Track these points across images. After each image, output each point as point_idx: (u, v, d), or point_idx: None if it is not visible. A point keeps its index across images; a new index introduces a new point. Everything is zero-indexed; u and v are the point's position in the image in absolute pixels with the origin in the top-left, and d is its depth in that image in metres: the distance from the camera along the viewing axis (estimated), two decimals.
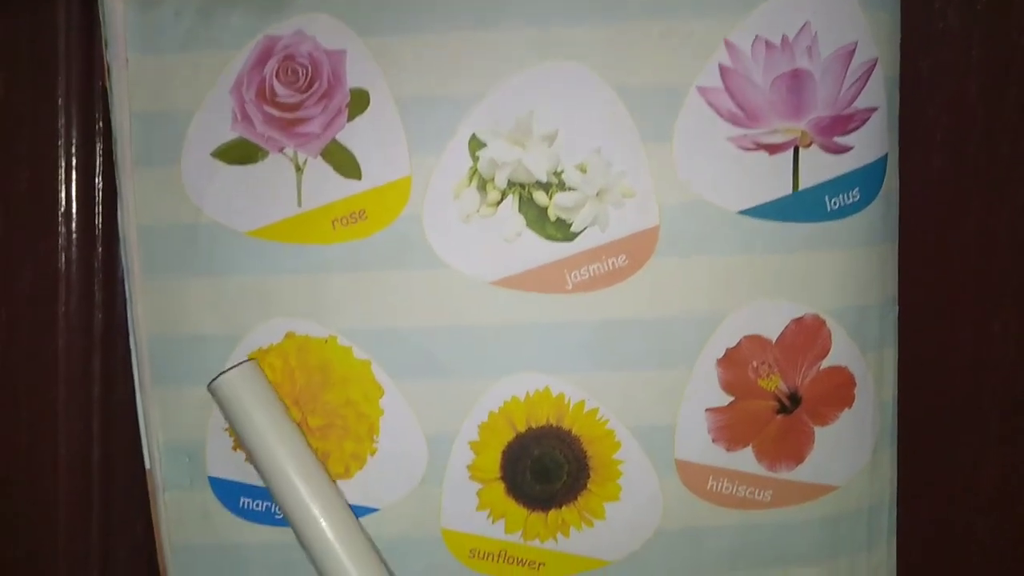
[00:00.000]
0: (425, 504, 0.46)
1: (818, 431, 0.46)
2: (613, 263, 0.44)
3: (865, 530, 0.47)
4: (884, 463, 0.47)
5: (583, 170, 0.44)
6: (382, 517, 0.46)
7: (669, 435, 0.45)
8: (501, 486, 0.46)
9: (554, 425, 0.45)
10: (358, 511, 0.46)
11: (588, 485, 0.46)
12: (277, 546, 0.46)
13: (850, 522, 0.47)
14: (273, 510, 0.46)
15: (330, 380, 0.45)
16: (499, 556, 0.46)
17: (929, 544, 0.50)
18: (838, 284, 0.45)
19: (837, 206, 0.44)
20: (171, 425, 0.45)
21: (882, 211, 0.45)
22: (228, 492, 0.46)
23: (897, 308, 0.47)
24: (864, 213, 0.44)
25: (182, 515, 0.46)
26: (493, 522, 0.46)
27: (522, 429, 0.45)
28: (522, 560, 0.46)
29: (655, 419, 0.45)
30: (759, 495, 0.46)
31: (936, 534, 0.50)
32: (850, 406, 0.46)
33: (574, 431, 0.45)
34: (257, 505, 0.46)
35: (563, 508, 0.46)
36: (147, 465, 0.46)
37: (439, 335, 0.44)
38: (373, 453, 0.45)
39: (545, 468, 0.45)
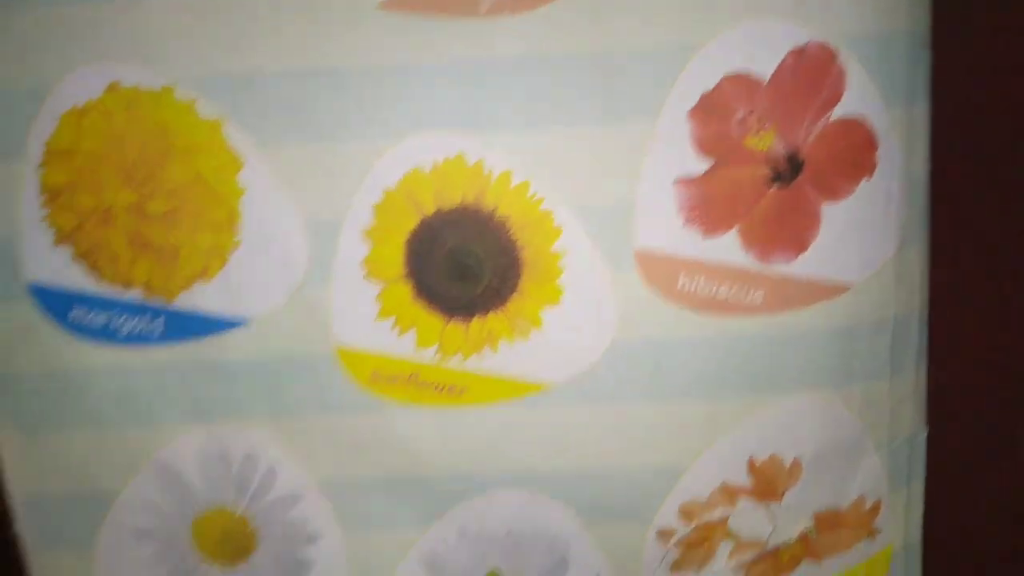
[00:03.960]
0: (310, 314, 0.35)
1: (825, 209, 0.34)
2: None
3: (887, 348, 0.36)
4: (912, 259, 0.35)
5: None
6: (254, 333, 0.34)
7: (625, 216, 0.33)
8: (407, 287, 0.34)
9: (472, 206, 0.33)
10: (222, 324, 0.34)
11: (520, 285, 0.34)
12: (120, 370, 0.35)
13: (868, 336, 0.35)
14: (115, 325, 0.35)
15: (171, 148, 0.33)
16: (409, 379, 0.35)
17: (966, 376, 0.38)
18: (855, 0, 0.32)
19: None
20: None
21: None
22: (55, 302, 0.34)
23: (930, 54, 0.34)
24: None
25: None
26: (400, 335, 0.35)
27: (430, 211, 0.33)
28: (438, 385, 0.35)
29: (606, 195, 0.34)
30: (747, 296, 0.34)
31: (976, 361, 0.38)
32: (869, 175, 0.34)
33: (499, 213, 0.33)
34: (93, 319, 0.35)
35: (489, 315, 0.34)
36: None
37: (313, 81, 0.32)
38: (236, 246, 0.34)
39: (462, 264, 0.34)
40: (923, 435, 0.39)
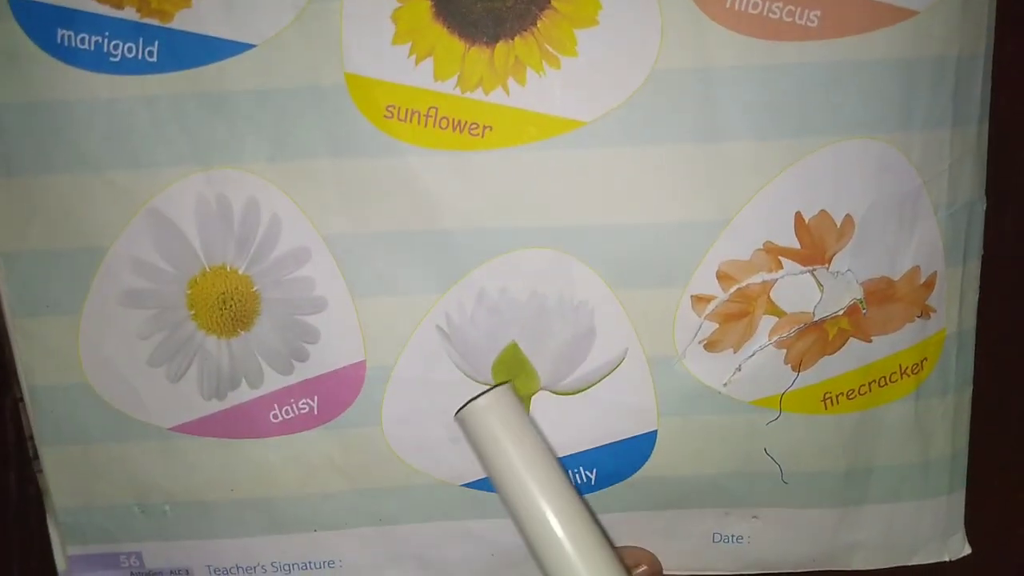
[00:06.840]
0: (319, 31, 0.31)
1: None
2: None
3: (949, 94, 0.33)
4: None
5: None
6: (259, 59, 0.31)
7: None
8: (427, 5, 0.31)
9: None
10: (224, 48, 0.31)
11: (552, 1, 0.30)
12: (111, 102, 0.32)
13: (930, 74, 0.32)
14: (107, 49, 0.31)
15: None
16: (427, 116, 0.32)
17: None
18: None
19: None
20: None
21: None
22: (40, 21, 0.31)
23: None
24: None
25: None
26: (417, 63, 0.31)
27: None
28: (459, 122, 0.32)
29: None
30: (802, 18, 0.31)
31: None
32: None
33: None
34: (82, 41, 0.31)
35: (516, 39, 0.31)
36: None
37: None
38: None
39: None
40: (982, 206, 0.36)
